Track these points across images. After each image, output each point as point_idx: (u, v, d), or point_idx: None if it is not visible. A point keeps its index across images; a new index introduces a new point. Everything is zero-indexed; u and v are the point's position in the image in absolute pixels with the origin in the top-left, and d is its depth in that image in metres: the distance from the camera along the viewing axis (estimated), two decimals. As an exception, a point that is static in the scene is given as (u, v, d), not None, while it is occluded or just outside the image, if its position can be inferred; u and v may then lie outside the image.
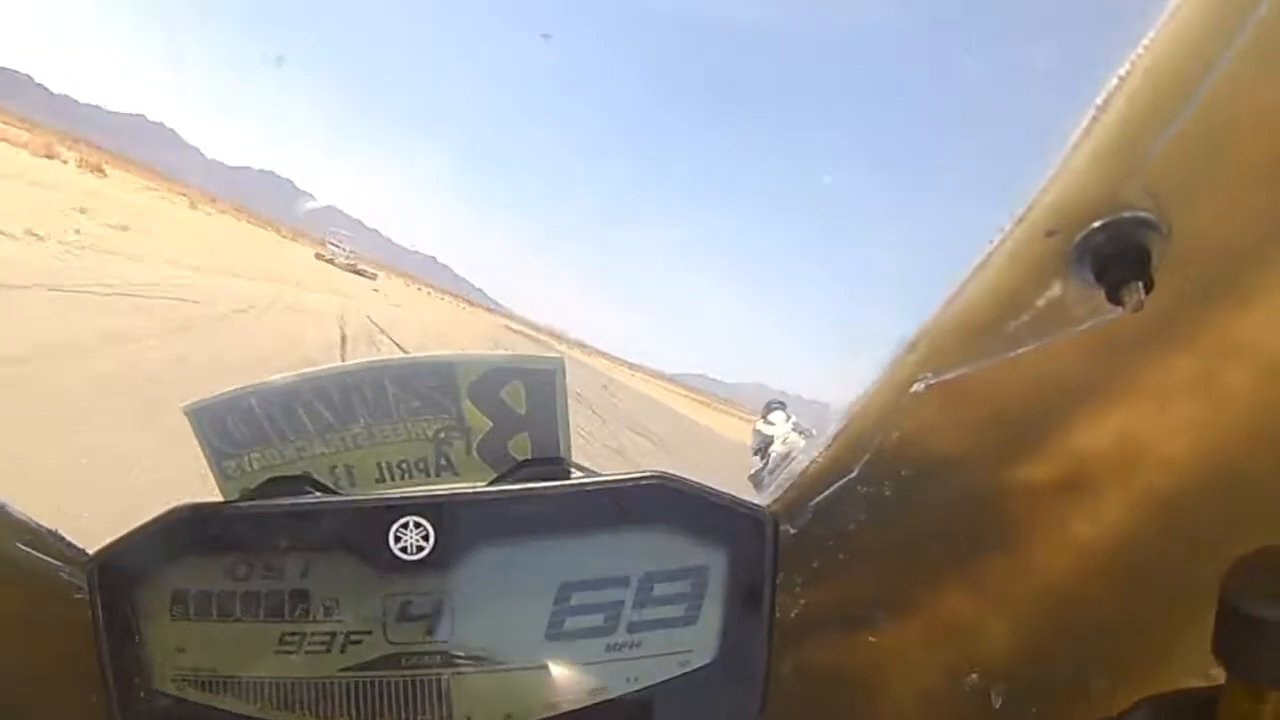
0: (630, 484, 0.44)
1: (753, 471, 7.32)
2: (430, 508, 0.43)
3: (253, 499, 0.44)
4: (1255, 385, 0.38)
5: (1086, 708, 0.48)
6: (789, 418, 7.18)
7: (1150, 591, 0.45)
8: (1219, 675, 0.42)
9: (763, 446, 7.19)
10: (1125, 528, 0.44)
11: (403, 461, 0.46)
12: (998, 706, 0.47)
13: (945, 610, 0.49)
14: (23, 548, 0.44)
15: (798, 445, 7.11)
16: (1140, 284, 0.32)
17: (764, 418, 7.18)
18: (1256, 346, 0.37)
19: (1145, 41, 0.30)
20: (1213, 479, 0.41)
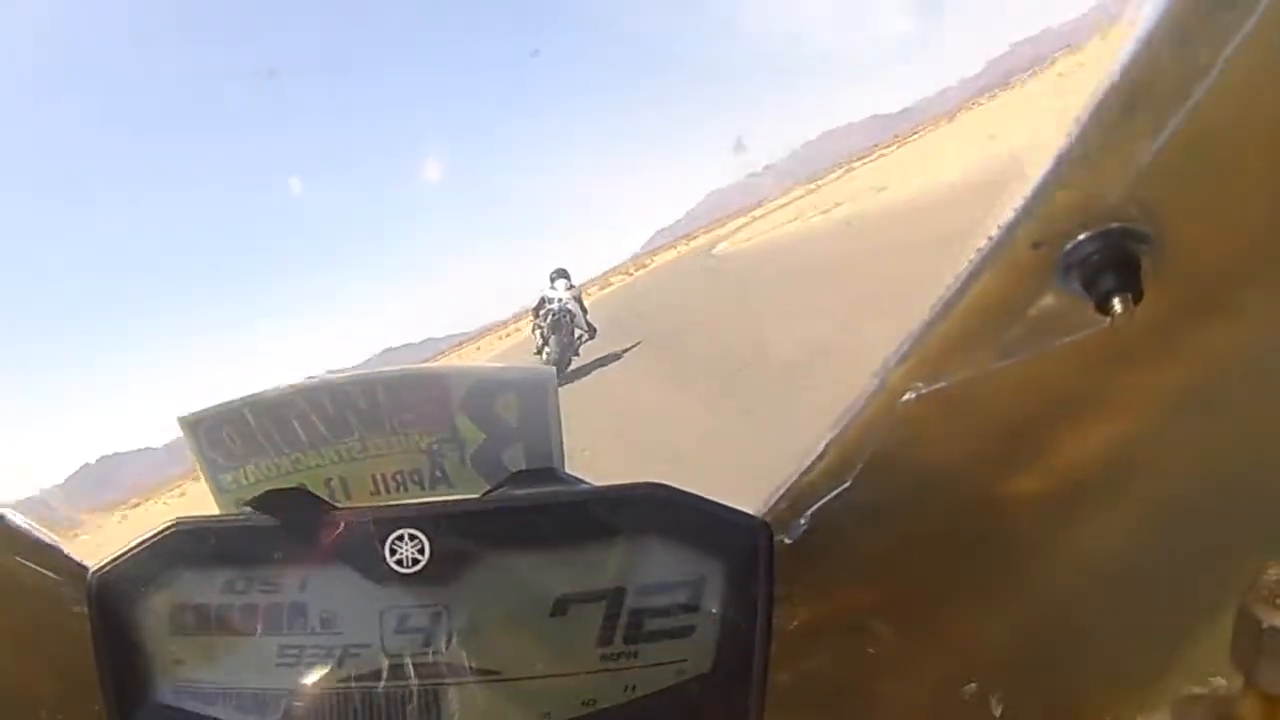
0: (623, 494, 0.44)
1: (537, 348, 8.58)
2: (425, 520, 0.43)
3: (249, 512, 0.45)
4: (1249, 395, 0.38)
5: (1084, 716, 0.48)
6: (569, 285, 8.76)
7: (1147, 601, 0.45)
8: (1219, 683, 0.42)
9: (544, 308, 8.64)
10: (1119, 537, 0.44)
11: (397, 473, 0.46)
12: (998, 715, 0.47)
13: (943, 619, 0.49)
14: (22, 561, 0.44)
15: (574, 309, 8.48)
16: (1129, 295, 0.32)
17: (550, 284, 8.77)
18: (1249, 357, 0.37)
19: (1134, 50, 0.29)
20: (1206, 489, 0.41)
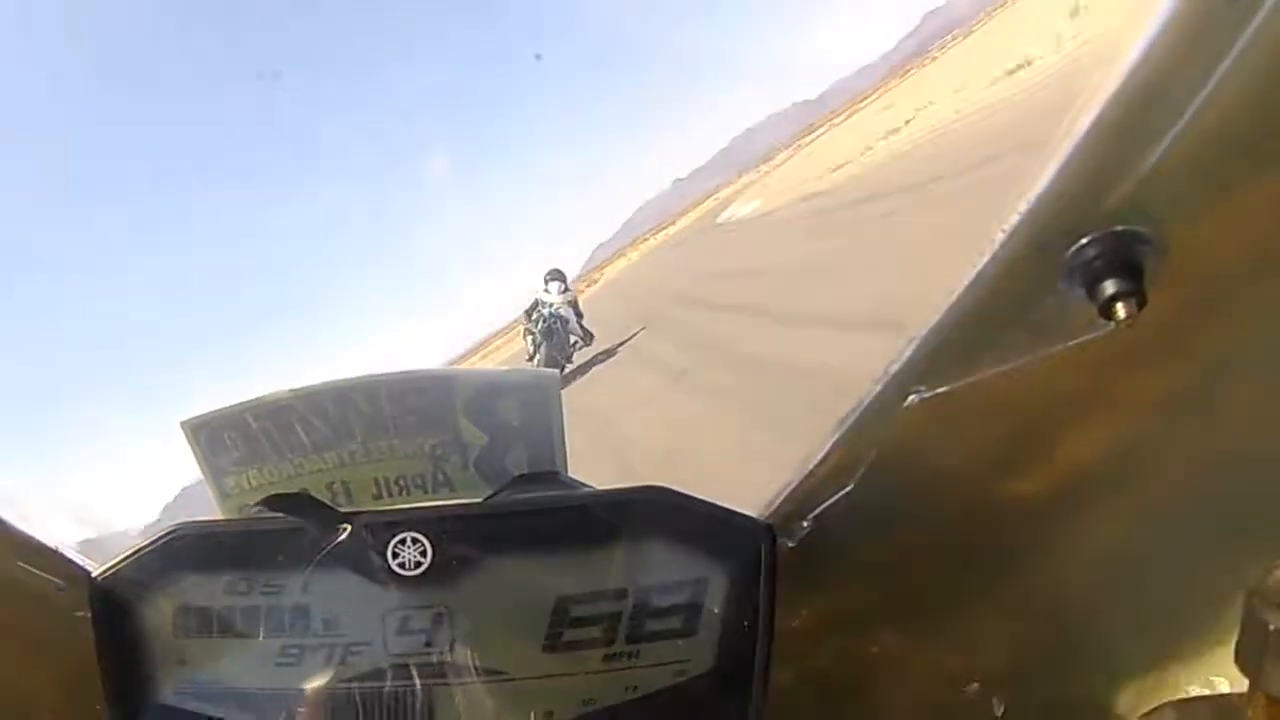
0: (626, 497, 0.44)
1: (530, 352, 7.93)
2: (427, 523, 0.43)
3: (252, 516, 0.45)
4: (1252, 396, 0.38)
5: (1087, 717, 0.48)
6: (564, 288, 8.09)
7: (1151, 602, 0.45)
8: (1221, 684, 0.42)
9: (536, 312, 7.99)
10: (1123, 538, 0.44)
11: (400, 477, 0.46)
12: (999, 715, 0.47)
13: (945, 621, 0.49)
14: (24, 566, 0.44)
15: (568, 314, 7.83)
16: (1133, 299, 0.32)
17: (544, 286, 8.08)
18: (1253, 357, 0.37)
19: (1138, 52, 0.29)
20: (1211, 491, 0.41)
